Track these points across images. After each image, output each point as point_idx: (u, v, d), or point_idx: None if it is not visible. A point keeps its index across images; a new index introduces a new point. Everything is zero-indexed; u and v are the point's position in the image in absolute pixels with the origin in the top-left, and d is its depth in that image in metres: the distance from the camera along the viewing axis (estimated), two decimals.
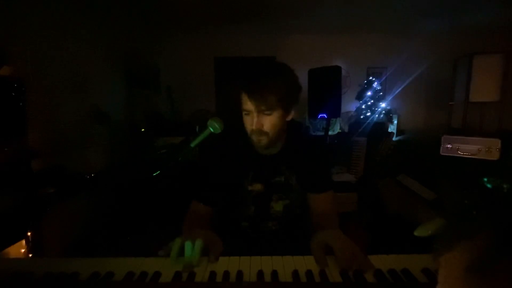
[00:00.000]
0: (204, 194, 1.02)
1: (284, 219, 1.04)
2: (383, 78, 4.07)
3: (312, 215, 1.02)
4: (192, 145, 0.89)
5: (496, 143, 1.96)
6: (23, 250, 1.63)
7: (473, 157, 2.03)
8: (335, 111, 2.55)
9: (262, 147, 0.95)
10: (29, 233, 1.64)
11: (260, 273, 0.64)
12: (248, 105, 0.87)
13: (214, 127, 0.89)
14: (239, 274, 0.64)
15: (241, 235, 1.04)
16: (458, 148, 2.10)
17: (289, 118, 0.95)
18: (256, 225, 1.04)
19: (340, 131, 3.86)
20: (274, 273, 0.64)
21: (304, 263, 0.69)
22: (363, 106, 3.80)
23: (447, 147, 2.15)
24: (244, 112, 0.91)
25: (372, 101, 3.77)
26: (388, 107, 3.86)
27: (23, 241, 1.62)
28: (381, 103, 3.81)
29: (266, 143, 0.93)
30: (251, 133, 0.92)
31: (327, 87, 2.52)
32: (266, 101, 0.85)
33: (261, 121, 0.88)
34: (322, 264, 0.68)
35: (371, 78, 3.84)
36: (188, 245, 0.69)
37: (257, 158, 1.01)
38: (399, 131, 3.97)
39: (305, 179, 1.02)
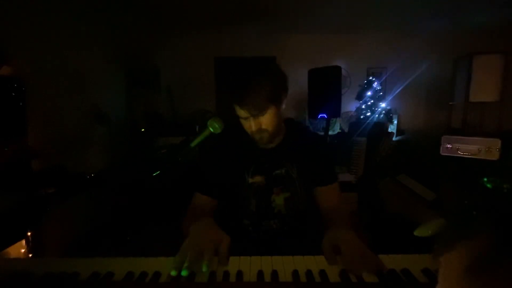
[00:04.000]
0: (206, 186, 1.04)
1: (286, 216, 1.03)
2: (383, 78, 4.07)
3: (321, 209, 1.03)
4: (192, 145, 0.89)
5: (496, 143, 1.96)
6: (23, 250, 1.63)
7: (473, 157, 2.03)
8: (335, 111, 2.55)
9: (265, 143, 0.99)
10: (29, 233, 1.64)
11: (260, 273, 0.64)
12: (242, 113, 0.93)
13: (214, 127, 0.89)
14: (239, 274, 0.64)
15: (243, 234, 1.03)
16: (458, 148, 2.10)
17: (283, 107, 0.99)
18: (258, 223, 1.03)
19: (340, 131, 3.86)
20: (274, 273, 0.64)
21: (304, 263, 0.69)
22: (363, 106, 3.80)
23: (447, 147, 2.14)
24: (240, 118, 0.97)
25: (372, 101, 3.76)
26: (388, 107, 3.85)
27: (23, 241, 1.63)
28: (381, 103, 3.80)
29: (268, 139, 0.98)
30: (252, 134, 0.97)
31: (327, 87, 2.52)
32: (257, 106, 0.90)
33: (258, 122, 0.94)
34: (332, 262, 0.68)
35: (371, 78, 3.84)
36: (203, 266, 0.64)
37: (257, 152, 1.04)
38: (399, 131, 3.97)
39: (308, 172, 1.03)
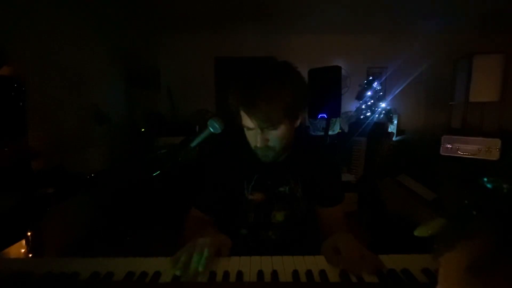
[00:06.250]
0: (203, 203, 0.98)
1: (285, 229, 0.98)
2: (383, 78, 4.07)
3: (321, 226, 0.98)
4: (192, 145, 0.88)
5: (496, 143, 1.96)
6: (23, 250, 1.63)
7: (473, 157, 2.03)
8: (335, 111, 2.55)
9: (267, 161, 0.88)
10: (29, 233, 1.64)
11: (260, 273, 0.64)
12: (249, 122, 0.77)
13: (214, 127, 0.88)
14: (239, 274, 0.64)
15: (240, 243, 0.98)
16: (458, 148, 2.10)
17: (297, 124, 0.86)
18: (256, 233, 0.98)
19: (340, 131, 3.86)
20: (274, 273, 0.64)
21: (304, 263, 0.69)
22: (363, 106, 3.80)
23: (447, 147, 2.14)
24: (245, 128, 0.82)
25: (372, 101, 3.77)
26: (388, 107, 3.85)
27: (23, 241, 1.62)
28: (381, 103, 3.81)
29: (273, 158, 0.86)
30: (256, 149, 0.85)
31: (327, 87, 2.52)
32: (271, 118, 0.74)
33: (266, 137, 0.79)
34: (335, 264, 0.67)
35: (371, 78, 3.84)
36: (196, 258, 0.64)
37: (259, 166, 0.93)
38: (399, 131, 3.97)
39: (314, 191, 0.95)
